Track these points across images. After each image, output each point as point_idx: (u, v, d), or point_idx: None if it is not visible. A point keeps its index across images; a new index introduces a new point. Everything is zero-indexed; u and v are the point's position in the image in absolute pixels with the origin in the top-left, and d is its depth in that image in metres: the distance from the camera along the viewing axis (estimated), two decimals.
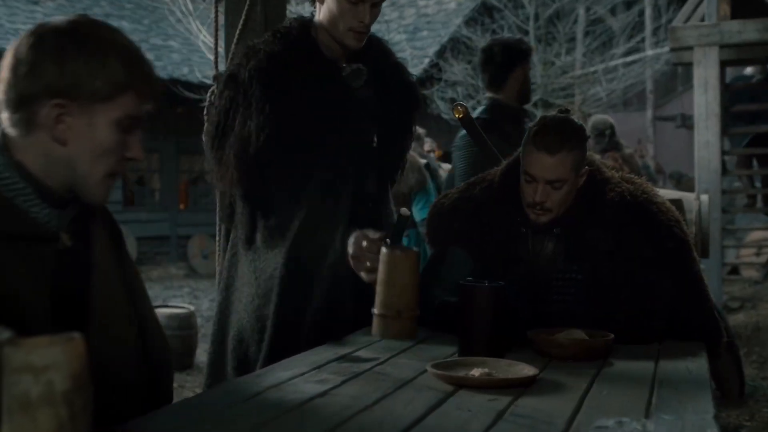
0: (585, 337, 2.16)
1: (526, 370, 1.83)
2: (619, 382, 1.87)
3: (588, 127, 6.43)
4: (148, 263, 14.36)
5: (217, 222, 3.02)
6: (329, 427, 1.43)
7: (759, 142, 8.86)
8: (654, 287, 2.34)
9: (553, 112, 2.53)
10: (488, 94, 4.10)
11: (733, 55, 8.31)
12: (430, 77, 13.82)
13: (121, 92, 1.50)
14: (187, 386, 6.03)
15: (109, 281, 1.64)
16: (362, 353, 2.11)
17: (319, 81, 2.47)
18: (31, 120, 1.48)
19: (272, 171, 2.44)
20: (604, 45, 14.73)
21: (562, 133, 2.36)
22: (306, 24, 2.55)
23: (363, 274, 2.26)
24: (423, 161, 6.62)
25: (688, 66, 8.87)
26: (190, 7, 11.16)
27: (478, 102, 12.85)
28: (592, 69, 14.31)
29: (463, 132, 3.62)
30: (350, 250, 2.30)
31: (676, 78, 19.59)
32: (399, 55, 2.84)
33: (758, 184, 9.73)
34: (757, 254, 10.18)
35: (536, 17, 14.06)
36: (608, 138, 6.60)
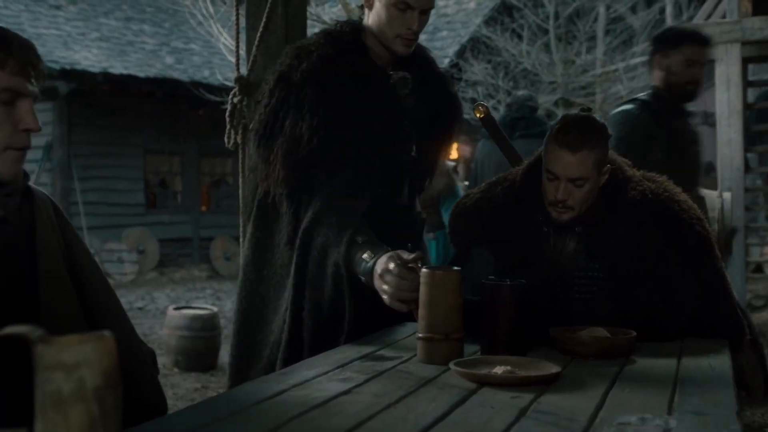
0: (607, 334, 2.16)
1: (549, 367, 1.83)
2: (641, 380, 1.87)
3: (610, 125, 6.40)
4: (171, 265, 14.46)
5: (240, 224, 3.04)
6: (354, 424, 1.45)
7: None
8: (676, 285, 2.35)
9: (574, 111, 2.54)
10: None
11: (755, 52, 8.26)
12: (450, 77, 13.80)
13: None
14: (211, 387, 6.07)
15: (54, 260, 1.72)
16: (385, 352, 2.13)
17: (368, 86, 2.50)
18: None
19: (319, 172, 2.44)
20: (624, 43, 14.66)
21: (584, 131, 2.37)
22: (357, 28, 2.58)
23: (386, 299, 2.21)
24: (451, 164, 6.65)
25: (710, 63, 8.82)
26: (211, 10, 11.21)
27: (498, 101, 12.84)
28: (612, 67, 14.24)
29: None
30: (378, 268, 2.22)
31: None
32: None
33: None
34: None
35: (556, 16, 14.01)
36: None
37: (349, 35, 2.56)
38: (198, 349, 6.60)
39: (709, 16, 8.67)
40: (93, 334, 1.03)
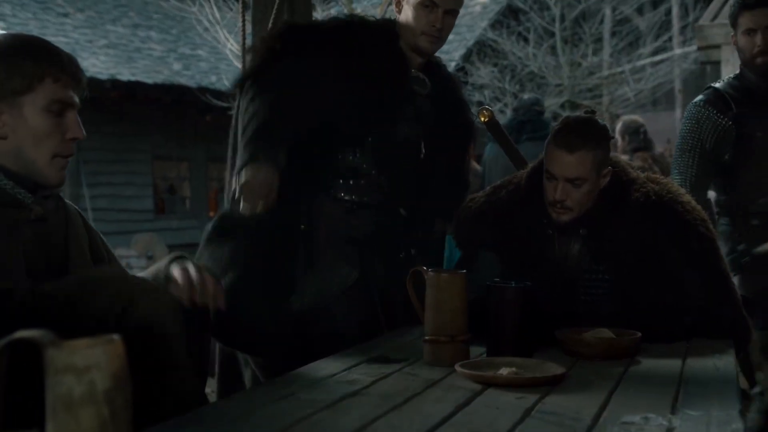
0: (612, 336, 2.17)
1: (554, 368, 1.85)
2: (646, 380, 1.88)
3: (620, 128, 6.40)
4: None
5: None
6: (361, 425, 1.47)
7: None
8: (680, 286, 2.36)
9: (579, 113, 2.57)
10: None
11: None
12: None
13: (39, 81, 1.72)
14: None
15: (83, 254, 1.86)
16: (391, 354, 2.14)
17: (387, 66, 2.59)
18: None
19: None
20: (631, 45, 14.66)
21: (583, 131, 2.40)
22: (392, 21, 2.71)
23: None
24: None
25: (717, 64, 8.81)
26: (218, 16, 11.26)
27: (505, 105, 12.85)
28: (619, 69, 14.24)
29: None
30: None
31: (705, 76, 19.39)
32: None
33: None
34: None
35: (562, 18, 14.02)
36: (643, 136, 6.56)
37: (384, 22, 2.73)
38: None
39: (715, 17, 8.66)
40: (102, 337, 1.06)
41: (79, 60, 1.86)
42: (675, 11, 16.05)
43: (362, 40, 2.60)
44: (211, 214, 15.92)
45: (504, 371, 1.82)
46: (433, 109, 2.69)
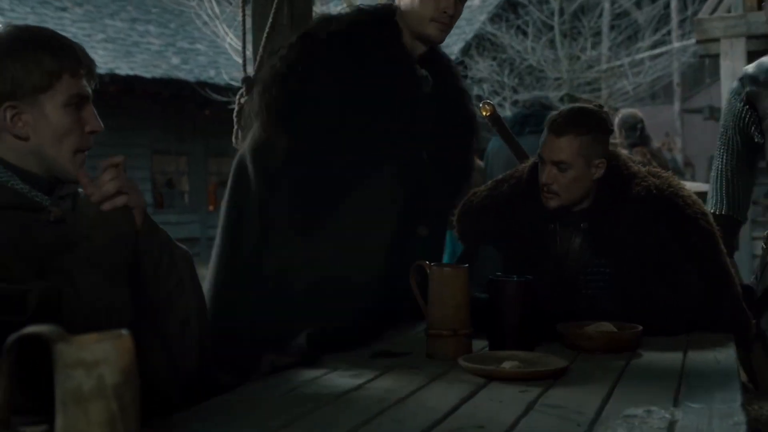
0: (614, 329, 2.18)
1: (557, 362, 1.86)
2: (647, 373, 1.90)
3: (617, 122, 6.40)
4: None
5: None
6: (365, 419, 1.47)
7: None
8: (681, 280, 2.37)
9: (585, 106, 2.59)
10: None
11: (761, 46, 8.24)
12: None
13: (57, 78, 1.69)
14: None
15: None
16: (394, 348, 2.15)
17: (394, 69, 2.37)
18: None
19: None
20: (630, 38, 14.66)
21: (573, 117, 2.45)
22: (392, 9, 2.45)
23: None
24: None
25: (715, 58, 8.83)
26: (217, 10, 11.25)
27: (504, 98, 12.86)
28: (618, 63, 14.24)
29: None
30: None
31: (704, 70, 19.43)
32: None
33: None
34: None
35: (561, 12, 14.02)
36: (639, 132, 6.57)
37: (383, 13, 2.45)
38: None
39: (713, 11, 8.67)
40: (111, 332, 1.06)
41: None
42: (673, 5, 16.06)
43: (368, 35, 2.37)
44: (211, 208, 15.94)
45: (507, 365, 1.83)
46: (433, 105, 2.49)
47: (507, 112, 10.63)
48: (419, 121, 2.42)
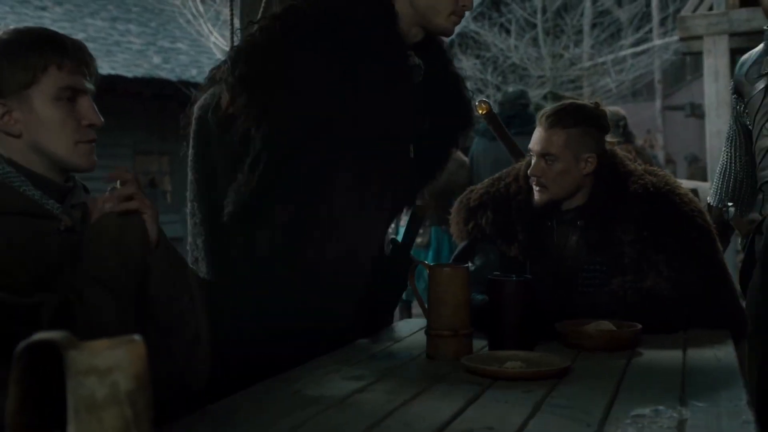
0: (613, 328, 2.18)
1: (560, 362, 1.85)
2: (649, 372, 1.89)
3: None
4: None
5: None
6: (373, 423, 1.46)
7: None
8: (678, 277, 2.37)
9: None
10: None
11: (743, 44, 8.28)
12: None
13: (42, 71, 1.66)
14: None
15: None
16: (394, 349, 2.14)
17: (387, 59, 2.12)
18: None
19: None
20: (612, 36, 14.71)
21: (561, 111, 2.49)
22: None
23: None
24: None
25: (698, 55, 8.87)
26: (201, 8, 11.20)
27: (488, 97, 12.85)
28: (600, 60, 14.29)
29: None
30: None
31: (685, 67, 19.55)
32: None
33: None
34: None
35: (544, 10, 14.05)
36: (622, 129, 6.59)
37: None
38: None
39: (696, 9, 8.71)
40: (124, 338, 1.04)
41: None
42: (655, 2, 16.13)
43: (361, 16, 2.10)
44: None
45: (510, 365, 1.82)
46: (425, 95, 2.23)
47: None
48: (408, 116, 2.17)
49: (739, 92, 2.95)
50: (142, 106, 14.16)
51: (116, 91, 13.59)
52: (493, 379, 1.77)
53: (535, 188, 2.50)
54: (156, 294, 1.69)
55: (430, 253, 6.05)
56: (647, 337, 2.19)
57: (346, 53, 2.04)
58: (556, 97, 12.75)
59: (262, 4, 3.27)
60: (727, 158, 3.04)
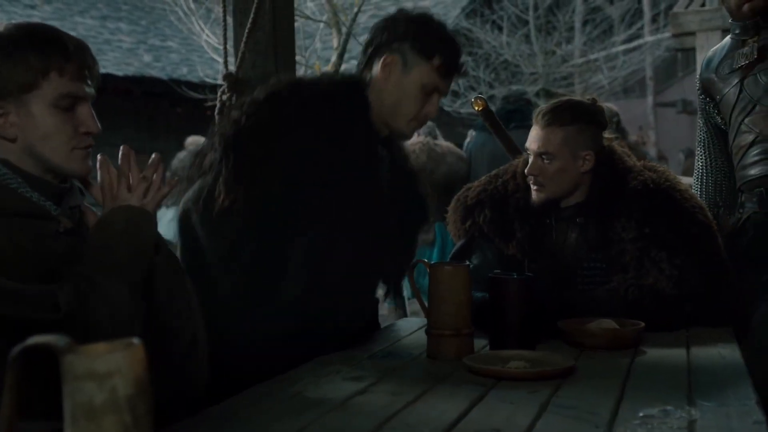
0: (615, 326, 2.15)
1: (563, 361, 1.82)
2: (654, 371, 1.87)
3: None
4: None
5: None
6: (376, 425, 1.43)
7: None
8: (680, 274, 2.34)
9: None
10: None
11: None
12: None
13: (43, 76, 1.60)
14: None
15: None
16: (394, 349, 2.11)
17: (360, 147, 2.18)
18: None
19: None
20: (604, 33, 14.68)
21: (557, 109, 2.46)
22: (363, 83, 2.26)
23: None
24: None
25: (689, 51, 8.86)
26: (192, 6, 11.13)
27: (480, 94, 12.81)
28: (593, 56, 14.27)
29: None
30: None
31: (676, 63, 19.54)
32: None
33: None
34: None
35: (535, 7, 14.01)
36: (615, 126, 6.58)
37: (355, 87, 2.26)
38: None
39: (688, 5, 8.70)
40: (121, 341, 1.01)
41: None
42: None
43: (338, 107, 2.17)
44: None
45: (513, 365, 1.79)
46: (388, 186, 2.28)
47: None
48: (376, 202, 2.19)
49: (707, 92, 2.90)
50: (132, 105, 14.09)
51: (106, 90, 13.52)
52: (496, 379, 1.74)
53: (533, 187, 2.47)
54: (156, 294, 1.65)
55: (435, 250, 5.96)
56: (649, 335, 2.17)
57: (323, 141, 2.11)
58: (548, 94, 12.73)
59: (255, 2, 3.23)
60: (702, 163, 2.98)
